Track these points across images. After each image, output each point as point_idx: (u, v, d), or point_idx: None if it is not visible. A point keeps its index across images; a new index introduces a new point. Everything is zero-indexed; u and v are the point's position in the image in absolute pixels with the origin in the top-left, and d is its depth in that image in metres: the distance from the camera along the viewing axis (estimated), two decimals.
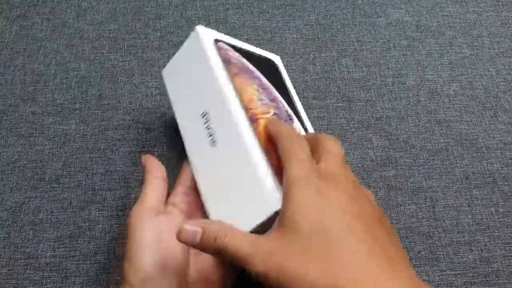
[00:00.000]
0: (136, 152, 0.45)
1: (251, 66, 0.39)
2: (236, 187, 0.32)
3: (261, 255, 0.25)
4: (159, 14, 0.55)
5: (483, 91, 0.51)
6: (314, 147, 0.31)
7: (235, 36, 0.54)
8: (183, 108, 0.38)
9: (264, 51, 0.45)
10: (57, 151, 0.45)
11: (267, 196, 0.29)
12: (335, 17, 0.56)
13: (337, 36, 0.54)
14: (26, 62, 0.51)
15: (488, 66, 0.53)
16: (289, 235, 0.25)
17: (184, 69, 0.39)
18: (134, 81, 0.50)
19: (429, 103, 0.50)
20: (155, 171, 0.37)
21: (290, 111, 0.40)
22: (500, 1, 0.58)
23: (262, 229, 0.30)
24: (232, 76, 0.35)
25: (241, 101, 0.34)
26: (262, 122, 0.34)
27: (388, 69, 0.52)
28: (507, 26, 0.56)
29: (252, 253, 0.25)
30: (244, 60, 0.39)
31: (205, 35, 0.38)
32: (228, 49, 0.38)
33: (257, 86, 0.37)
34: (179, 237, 0.28)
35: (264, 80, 0.39)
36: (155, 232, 0.32)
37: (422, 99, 0.50)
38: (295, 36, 0.54)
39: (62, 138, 0.46)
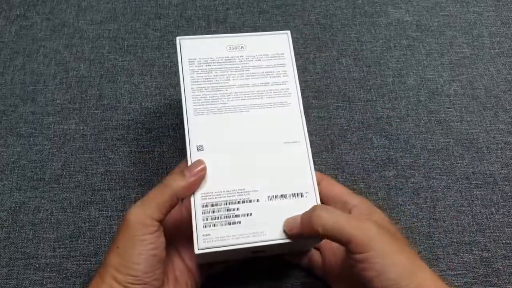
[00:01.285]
0: (136, 152, 0.45)
1: None
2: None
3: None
4: (159, 13, 0.55)
5: (483, 91, 0.51)
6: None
7: None
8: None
9: None
10: (57, 151, 0.45)
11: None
12: (335, 16, 0.56)
13: (337, 35, 0.54)
14: (26, 62, 0.51)
15: (488, 66, 0.52)
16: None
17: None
18: (134, 81, 0.50)
19: (430, 103, 0.50)
20: (194, 188, 0.33)
21: None
22: (500, 1, 0.58)
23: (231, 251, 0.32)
24: None
25: None
26: None
27: (389, 69, 0.52)
28: (507, 25, 0.56)
29: (355, 230, 0.30)
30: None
31: None
32: None
33: None
34: (285, 227, 0.32)
35: None
36: (156, 244, 0.31)
37: (422, 99, 0.50)
38: (295, 36, 0.54)
39: (62, 138, 0.46)
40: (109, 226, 0.41)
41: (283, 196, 0.33)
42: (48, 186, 0.43)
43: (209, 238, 0.31)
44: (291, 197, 0.33)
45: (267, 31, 0.54)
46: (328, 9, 0.56)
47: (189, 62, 0.36)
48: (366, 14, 0.56)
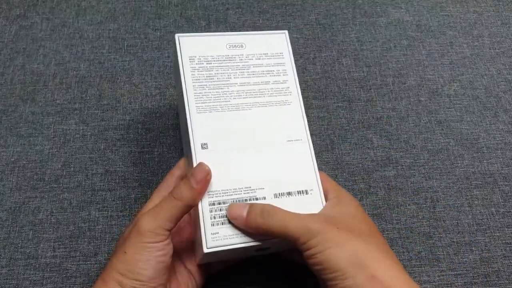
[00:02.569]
0: (136, 152, 0.45)
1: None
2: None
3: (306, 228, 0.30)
4: (158, 13, 0.55)
5: (483, 91, 0.51)
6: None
7: None
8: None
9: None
10: (57, 151, 0.45)
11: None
12: (336, 16, 0.56)
13: (338, 35, 0.54)
14: (26, 62, 0.51)
15: (488, 66, 0.52)
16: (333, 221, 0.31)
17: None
18: (134, 81, 0.50)
19: (430, 103, 0.50)
20: (200, 197, 0.33)
21: None
22: (500, 1, 0.58)
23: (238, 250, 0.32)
24: None
25: None
26: None
27: (389, 69, 0.52)
28: (507, 26, 0.56)
29: (301, 228, 0.30)
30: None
31: None
32: None
33: None
34: (229, 213, 0.32)
35: None
36: (165, 251, 0.31)
37: (422, 99, 0.50)
38: (295, 36, 0.54)
39: (62, 138, 0.46)
40: (109, 226, 0.41)
41: (289, 193, 0.33)
42: (48, 186, 0.43)
43: (218, 236, 0.31)
44: (296, 194, 0.33)
45: (267, 30, 0.54)
46: (328, 9, 0.56)
47: (190, 59, 0.36)
48: (366, 14, 0.56)
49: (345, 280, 0.29)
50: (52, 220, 0.42)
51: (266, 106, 0.36)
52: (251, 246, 0.31)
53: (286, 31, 0.39)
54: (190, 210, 0.33)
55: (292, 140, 0.35)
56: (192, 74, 0.36)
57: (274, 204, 0.32)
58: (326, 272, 0.29)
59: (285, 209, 0.32)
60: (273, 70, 0.37)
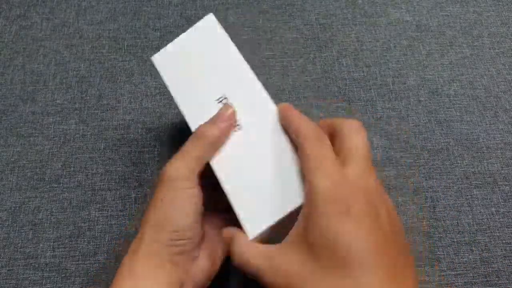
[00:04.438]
0: (136, 152, 0.45)
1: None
2: (262, 176, 0.31)
3: (273, 268, 0.25)
4: (159, 13, 0.55)
5: (483, 91, 0.51)
6: (335, 140, 0.29)
7: (235, 35, 0.53)
8: (190, 95, 0.36)
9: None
10: (57, 151, 0.45)
11: (295, 189, 0.29)
12: (335, 16, 0.56)
13: (337, 35, 0.54)
14: (26, 62, 0.51)
15: (488, 66, 0.52)
16: (305, 255, 0.24)
17: (188, 54, 0.37)
18: (134, 81, 0.50)
19: (430, 103, 0.50)
20: (227, 134, 0.31)
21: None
22: (500, 1, 0.58)
23: (277, 226, 0.30)
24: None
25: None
26: None
27: (389, 69, 0.52)
28: (507, 26, 0.56)
29: (263, 265, 0.26)
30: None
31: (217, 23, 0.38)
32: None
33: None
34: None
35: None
36: (198, 197, 0.30)
37: (422, 99, 0.50)
38: (295, 36, 0.54)
39: (62, 138, 0.46)
40: (109, 226, 0.41)
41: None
42: (48, 186, 0.43)
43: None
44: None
45: (267, 30, 0.54)
46: (328, 9, 0.56)
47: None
48: (366, 14, 0.56)
49: None
50: (52, 220, 0.42)
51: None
52: (286, 216, 0.29)
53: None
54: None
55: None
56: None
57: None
58: None
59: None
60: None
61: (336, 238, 0.23)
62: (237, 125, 0.33)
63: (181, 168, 0.30)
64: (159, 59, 0.39)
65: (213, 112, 0.33)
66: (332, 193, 0.25)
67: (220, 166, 0.32)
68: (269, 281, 0.25)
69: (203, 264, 0.31)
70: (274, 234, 0.31)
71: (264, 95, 0.33)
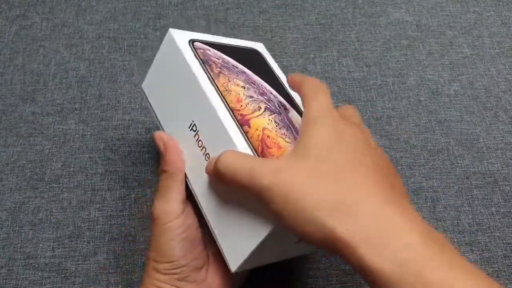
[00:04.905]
0: (136, 152, 0.45)
1: (233, 61, 0.37)
2: (235, 202, 0.30)
3: (269, 169, 0.25)
4: (158, 13, 0.55)
5: (483, 91, 0.51)
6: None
7: (234, 36, 0.53)
8: (171, 123, 0.35)
9: (245, 41, 0.42)
10: (57, 151, 0.45)
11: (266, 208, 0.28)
12: (336, 16, 0.56)
13: (338, 35, 0.54)
14: (26, 62, 0.51)
15: (488, 66, 0.52)
16: (299, 158, 0.26)
17: (163, 78, 0.36)
18: (134, 81, 0.50)
19: (430, 103, 0.50)
20: (178, 160, 0.33)
21: (283, 100, 0.37)
22: (500, 1, 0.58)
23: (265, 248, 0.29)
24: (214, 76, 0.33)
25: (227, 103, 0.32)
26: (254, 122, 0.32)
27: (389, 68, 0.52)
28: (507, 25, 0.56)
29: (259, 166, 0.26)
30: (225, 57, 0.37)
31: (180, 37, 0.35)
32: (206, 48, 0.36)
33: (243, 82, 0.35)
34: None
35: (250, 73, 0.37)
36: (184, 227, 0.32)
37: (422, 99, 0.50)
38: (295, 35, 0.54)
39: (62, 138, 0.46)
40: (108, 226, 0.41)
41: None
42: (47, 186, 0.43)
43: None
44: None
45: (267, 30, 0.54)
46: (328, 9, 0.56)
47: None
48: (366, 14, 0.56)
49: None
50: (52, 220, 0.41)
51: None
52: (269, 235, 0.28)
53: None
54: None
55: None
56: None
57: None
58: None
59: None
60: None
61: (325, 147, 0.26)
62: (206, 154, 0.32)
63: (160, 205, 0.32)
64: (146, 88, 0.38)
65: (188, 139, 0.33)
66: (325, 114, 0.27)
67: (202, 200, 0.32)
68: (266, 182, 0.25)
69: (213, 284, 0.33)
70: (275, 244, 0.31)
71: (223, 125, 0.30)
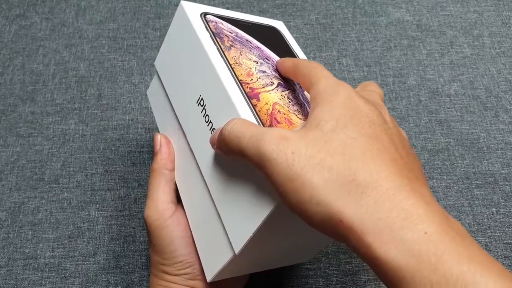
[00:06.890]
0: (136, 152, 0.45)
1: (248, 36, 0.35)
2: (240, 178, 0.28)
3: (275, 136, 0.23)
4: (158, 13, 0.55)
5: (484, 91, 0.51)
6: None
7: None
8: (179, 99, 0.34)
9: (264, 18, 0.39)
10: (56, 151, 0.45)
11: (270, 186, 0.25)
12: (336, 16, 0.56)
13: (338, 35, 0.54)
14: (25, 62, 0.51)
15: (489, 66, 0.52)
16: (309, 131, 0.24)
17: (174, 52, 0.34)
18: (134, 80, 0.50)
19: (430, 103, 0.50)
20: (167, 161, 0.34)
21: None
22: (501, 1, 0.58)
23: (271, 229, 0.27)
24: (224, 49, 0.31)
25: (236, 76, 0.30)
26: (264, 96, 0.30)
27: (389, 68, 0.52)
28: (508, 25, 0.56)
29: (264, 133, 0.24)
30: (239, 31, 0.35)
31: (191, 9, 0.33)
32: (219, 21, 0.34)
33: (256, 57, 0.33)
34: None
35: (265, 49, 0.35)
36: (182, 225, 0.32)
37: (422, 99, 0.50)
38: (295, 35, 0.54)
39: (61, 138, 0.46)
40: (108, 226, 0.41)
41: None
42: (47, 186, 0.43)
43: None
44: None
45: None
46: (328, 9, 0.56)
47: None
48: (366, 14, 0.56)
49: None
50: (52, 220, 0.41)
51: None
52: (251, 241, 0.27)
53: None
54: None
55: None
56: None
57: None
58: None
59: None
60: None
61: (337, 118, 0.24)
62: (213, 129, 0.30)
63: (152, 208, 0.32)
64: (158, 67, 0.37)
65: (197, 115, 0.31)
66: (334, 87, 0.25)
67: (207, 176, 0.31)
68: (271, 148, 0.23)
69: (222, 280, 0.32)
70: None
71: (229, 96, 0.28)
